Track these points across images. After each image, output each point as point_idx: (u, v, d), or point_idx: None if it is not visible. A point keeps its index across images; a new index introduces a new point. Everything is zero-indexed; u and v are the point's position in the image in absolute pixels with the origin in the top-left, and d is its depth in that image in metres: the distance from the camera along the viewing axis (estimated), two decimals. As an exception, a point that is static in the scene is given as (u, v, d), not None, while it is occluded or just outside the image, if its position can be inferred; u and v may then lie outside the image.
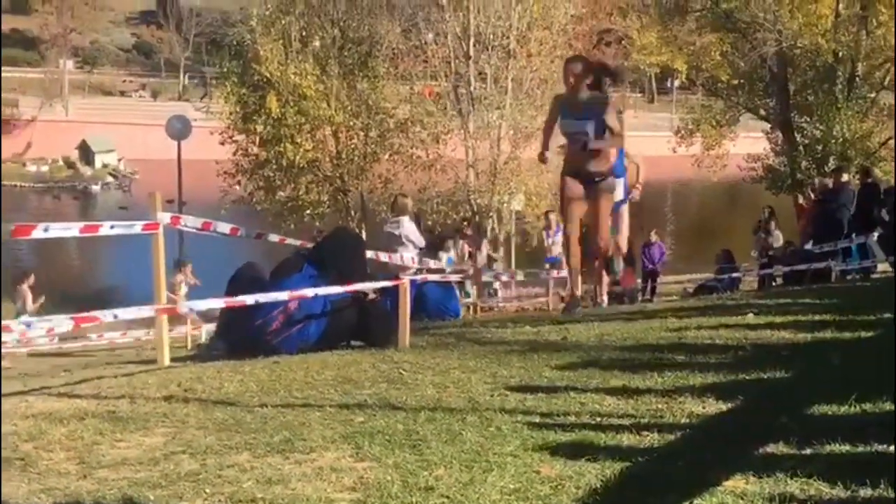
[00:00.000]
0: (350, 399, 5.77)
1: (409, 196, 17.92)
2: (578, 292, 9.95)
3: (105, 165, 65.24)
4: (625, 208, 12.40)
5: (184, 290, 19.52)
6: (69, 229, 8.76)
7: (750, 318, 8.46)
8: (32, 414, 5.65)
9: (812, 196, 20.95)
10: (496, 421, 4.95)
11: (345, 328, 9.40)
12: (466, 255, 23.26)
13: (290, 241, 11.85)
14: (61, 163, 64.38)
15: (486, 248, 25.92)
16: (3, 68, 71.29)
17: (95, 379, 7.34)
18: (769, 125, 34.65)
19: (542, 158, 9.81)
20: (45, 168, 63.58)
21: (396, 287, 9.52)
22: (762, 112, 34.66)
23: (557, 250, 20.80)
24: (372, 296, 9.85)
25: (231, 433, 4.97)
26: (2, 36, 55.48)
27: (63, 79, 71.37)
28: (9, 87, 67.16)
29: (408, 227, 14.83)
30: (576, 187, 9.11)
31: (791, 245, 22.06)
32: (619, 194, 12.06)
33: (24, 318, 15.21)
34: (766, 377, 5.66)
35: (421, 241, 15.28)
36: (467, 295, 20.60)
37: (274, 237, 11.63)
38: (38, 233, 7.41)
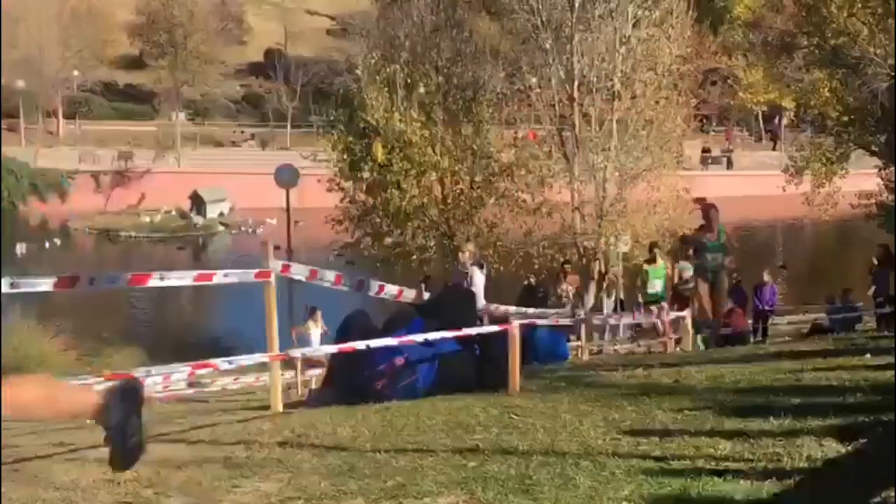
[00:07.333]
0: (462, 444, 5.76)
1: (471, 240, 17.39)
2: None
3: (219, 215, 66.48)
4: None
5: (316, 336, 19.91)
6: (183, 278, 8.97)
7: (867, 358, 8.26)
8: (152, 460, 5.75)
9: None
10: (609, 465, 4.91)
11: (454, 379, 9.37)
12: (569, 297, 23.17)
13: (388, 287, 11.90)
14: (174, 213, 65.78)
15: (593, 290, 25.73)
16: (119, 122, 74.18)
17: (212, 425, 7.46)
18: (881, 161, 33.95)
19: None
20: (158, 218, 65.00)
21: (506, 332, 9.51)
22: (874, 148, 33.98)
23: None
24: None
25: (345, 479, 5.00)
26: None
27: (175, 131, 72.95)
28: (124, 140, 69.42)
29: (478, 280, 13.51)
30: None
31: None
32: None
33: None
34: (885, 419, 5.52)
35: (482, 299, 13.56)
36: (571, 339, 20.41)
37: (374, 288, 11.61)
38: (154, 281, 7.60)
